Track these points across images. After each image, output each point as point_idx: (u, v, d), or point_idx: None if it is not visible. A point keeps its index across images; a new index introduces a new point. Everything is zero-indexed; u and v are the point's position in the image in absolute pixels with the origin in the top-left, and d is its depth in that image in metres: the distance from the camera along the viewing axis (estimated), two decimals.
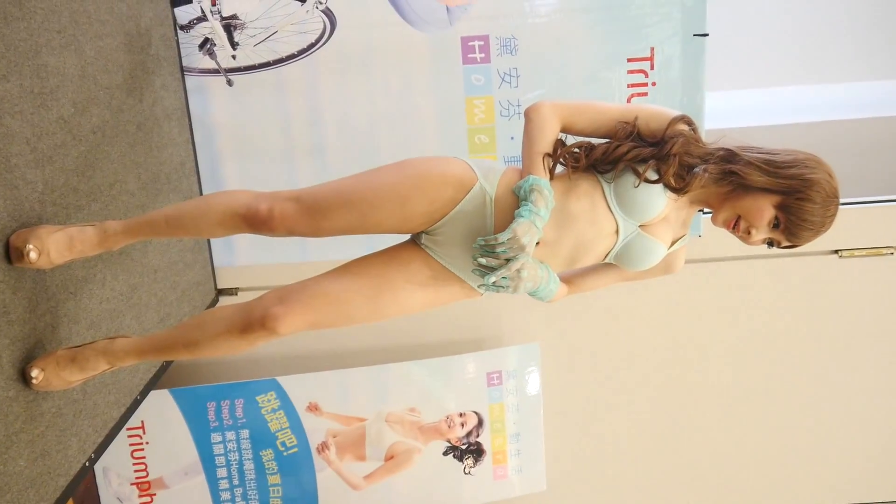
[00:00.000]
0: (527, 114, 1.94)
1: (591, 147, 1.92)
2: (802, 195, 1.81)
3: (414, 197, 1.91)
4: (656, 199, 1.90)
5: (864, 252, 3.43)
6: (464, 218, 1.93)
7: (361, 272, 1.98)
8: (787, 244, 1.91)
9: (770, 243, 1.93)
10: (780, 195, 1.84)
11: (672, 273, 2.09)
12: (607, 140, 1.92)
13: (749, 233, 1.89)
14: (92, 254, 2.08)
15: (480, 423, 3.59)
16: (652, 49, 3.13)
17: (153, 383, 2.84)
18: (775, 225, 1.87)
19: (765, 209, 1.86)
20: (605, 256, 2.00)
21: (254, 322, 1.92)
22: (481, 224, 1.92)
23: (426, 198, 1.92)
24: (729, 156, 1.89)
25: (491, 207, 1.92)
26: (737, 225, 1.90)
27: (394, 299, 1.96)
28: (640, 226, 1.95)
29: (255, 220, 1.96)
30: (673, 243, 2.02)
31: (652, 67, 3.15)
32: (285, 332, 1.91)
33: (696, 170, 1.88)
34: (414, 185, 1.91)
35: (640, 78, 3.16)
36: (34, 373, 1.95)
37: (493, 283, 1.86)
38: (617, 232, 1.94)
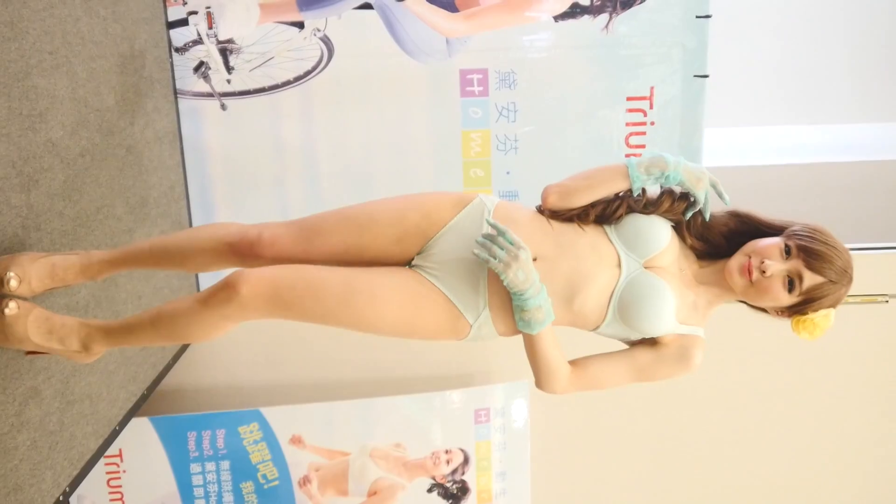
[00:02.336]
0: (551, 192, 1.93)
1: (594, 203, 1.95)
2: (804, 224, 1.85)
3: (411, 210, 1.91)
4: (659, 230, 1.89)
5: (858, 299, 3.40)
6: (459, 231, 1.90)
7: (344, 267, 1.90)
8: (812, 277, 1.80)
9: (791, 284, 1.82)
10: (782, 230, 1.88)
11: (688, 366, 1.91)
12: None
13: (763, 262, 1.80)
14: (74, 283, 2.02)
15: (466, 460, 3.52)
16: (651, 88, 3.11)
17: (133, 412, 2.77)
18: (787, 252, 1.81)
19: (771, 241, 1.84)
20: (610, 297, 1.88)
21: (217, 285, 1.83)
22: (477, 236, 1.87)
23: (423, 210, 1.91)
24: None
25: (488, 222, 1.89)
26: (750, 268, 1.83)
27: (371, 295, 1.83)
28: (643, 265, 1.90)
29: (243, 245, 1.92)
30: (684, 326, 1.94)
31: (651, 107, 3.13)
32: (247, 294, 1.78)
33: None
34: (410, 202, 1.93)
35: (638, 117, 3.14)
36: (11, 304, 1.86)
37: (492, 254, 1.80)
38: (619, 266, 1.89)
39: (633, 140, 3.16)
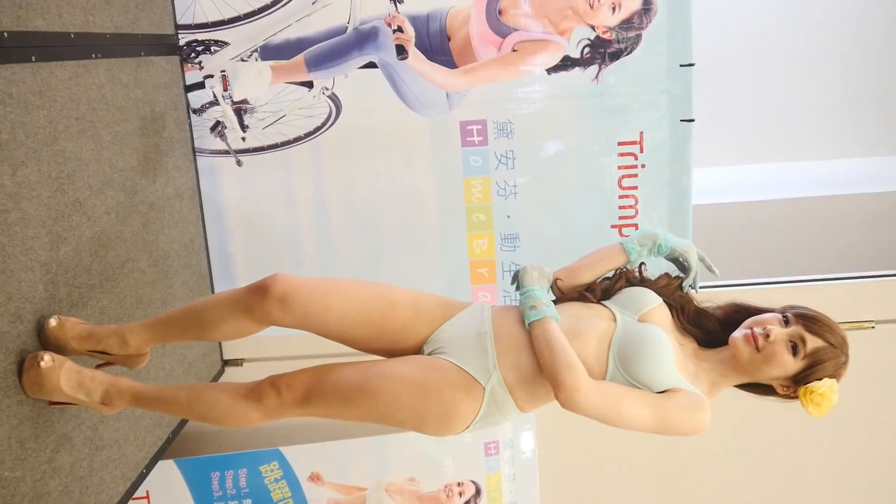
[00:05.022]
0: (558, 273, 2.14)
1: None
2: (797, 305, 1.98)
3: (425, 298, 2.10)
4: (648, 292, 2.05)
5: (846, 326, 3.44)
6: (462, 320, 2.06)
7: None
8: (813, 340, 1.89)
9: (795, 348, 1.90)
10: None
11: (700, 418, 1.84)
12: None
13: (765, 328, 1.90)
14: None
15: (478, 492, 3.62)
16: (641, 133, 3.26)
17: (160, 455, 2.86)
18: (786, 321, 1.92)
19: (769, 314, 1.96)
20: (609, 344, 1.93)
21: (260, 384, 2.01)
22: (479, 320, 2.04)
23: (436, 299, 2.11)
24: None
25: (489, 312, 2.07)
26: (755, 336, 1.91)
27: (382, 372, 1.95)
28: (637, 319, 2.01)
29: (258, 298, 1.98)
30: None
31: (641, 150, 3.27)
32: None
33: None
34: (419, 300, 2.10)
35: (629, 161, 3.28)
36: (46, 357, 1.97)
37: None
38: (615, 320, 2.00)
39: (626, 182, 3.30)
